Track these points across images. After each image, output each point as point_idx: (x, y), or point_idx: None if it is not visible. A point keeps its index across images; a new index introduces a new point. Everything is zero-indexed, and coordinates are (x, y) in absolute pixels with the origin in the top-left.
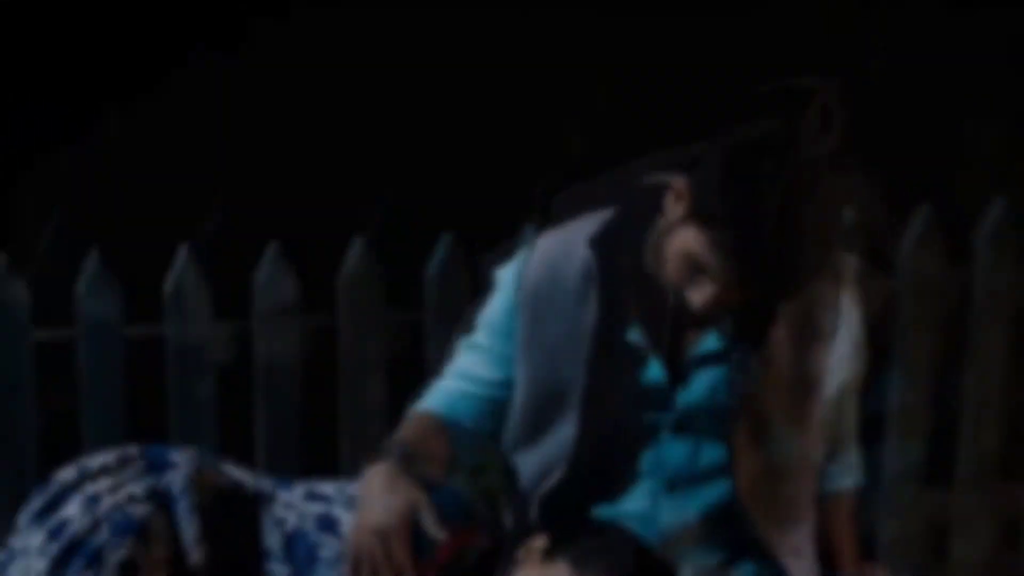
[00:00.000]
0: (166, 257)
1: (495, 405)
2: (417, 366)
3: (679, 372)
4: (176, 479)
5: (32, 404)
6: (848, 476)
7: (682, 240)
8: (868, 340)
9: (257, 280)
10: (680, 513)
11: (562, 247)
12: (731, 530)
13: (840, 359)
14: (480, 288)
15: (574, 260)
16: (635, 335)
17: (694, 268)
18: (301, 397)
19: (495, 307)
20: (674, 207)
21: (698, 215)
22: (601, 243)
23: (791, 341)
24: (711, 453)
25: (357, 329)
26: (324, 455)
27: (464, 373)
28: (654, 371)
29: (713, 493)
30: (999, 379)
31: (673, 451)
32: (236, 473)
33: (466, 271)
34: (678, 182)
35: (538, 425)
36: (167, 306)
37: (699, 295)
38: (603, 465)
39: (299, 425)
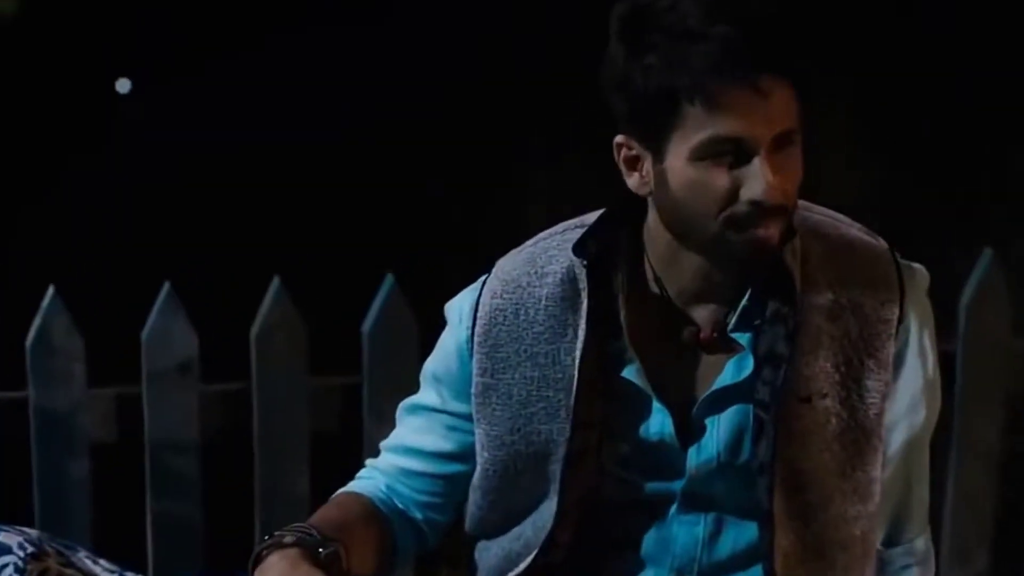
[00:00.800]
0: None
1: (448, 484)
2: (349, 440)
3: (689, 422)
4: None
5: None
6: (913, 569)
7: (696, 182)
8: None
9: (146, 334)
10: None
11: (530, 266)
12: None
13: (903, 409)
14: (428, 342)
15: (548, 279)
16: (631, 372)
17: (736, 198)
18: (203, 477)
19: (444, 352)
20: (634, 163)
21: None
22: (590, 249)
23: (837, 372)
24: (735, 533)
25: (274, 393)
26: (233, 548)
27: (405, 446)
28: (657, 421)
29: None
30: None
31: (683, 531)
32: (93, 567)
33: (412, 323)
34: (618, 138)
35: (505, 503)
36: (31, 364)
37: (768, 225)
38: (591, 550)
39: (201, 512)
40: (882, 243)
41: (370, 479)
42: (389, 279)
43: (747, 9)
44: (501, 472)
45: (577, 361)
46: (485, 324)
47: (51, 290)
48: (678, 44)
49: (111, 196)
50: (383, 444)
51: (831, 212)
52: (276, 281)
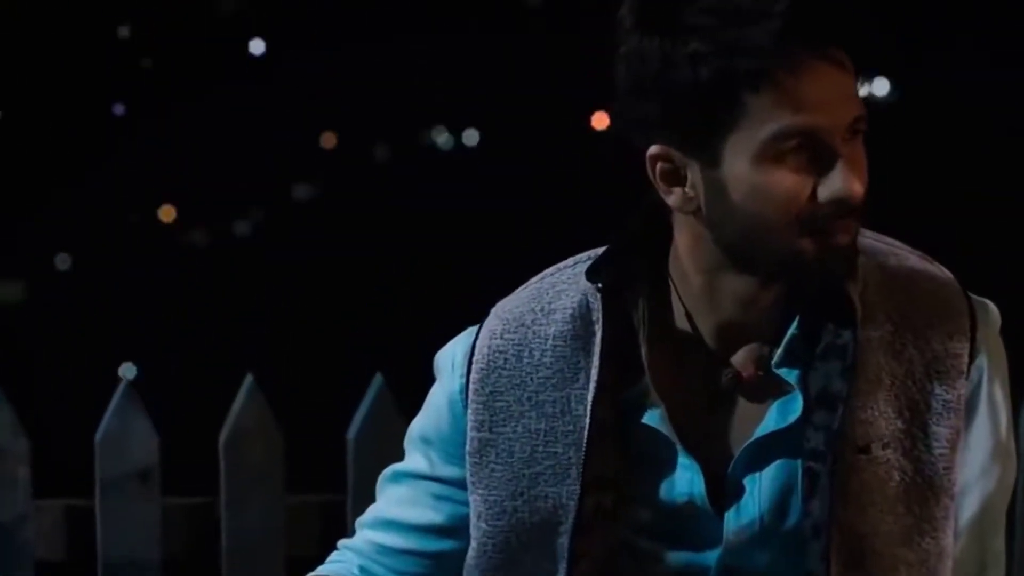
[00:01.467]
0: None
1: (435, 565)
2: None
3: (724, 480)
4: None
5: None
6: None
7: (765, 186)
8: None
9: (100, 435)
10: None
11: (535, 302)
12: None
13: (976, 470)
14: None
15: (556, 315)
16: (654, 418)
17: (815, 206)
18: None
19: (434, 408)
20: (670, 178)
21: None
22: (606, 274)
23: (900, 417)
24: None
25: (246, 510)
26: None
27: (385, 519)
28: (684, 479)
29: None
30: None
31: None
32: None
33: (404, 430)
34: (652, 150)
35: None
36: None
37: (847, 229)
38: None
39: None
40: (947, 273)
41: (341, 562)
42: (378, 379)
43: None
44: (501, 547)
45: (589, 404)
46: (483, 369)
47: None
48: (731, 24)
49: (67, 282)
50: (359, 520)
51: (885, 237)
52: (249, 378)
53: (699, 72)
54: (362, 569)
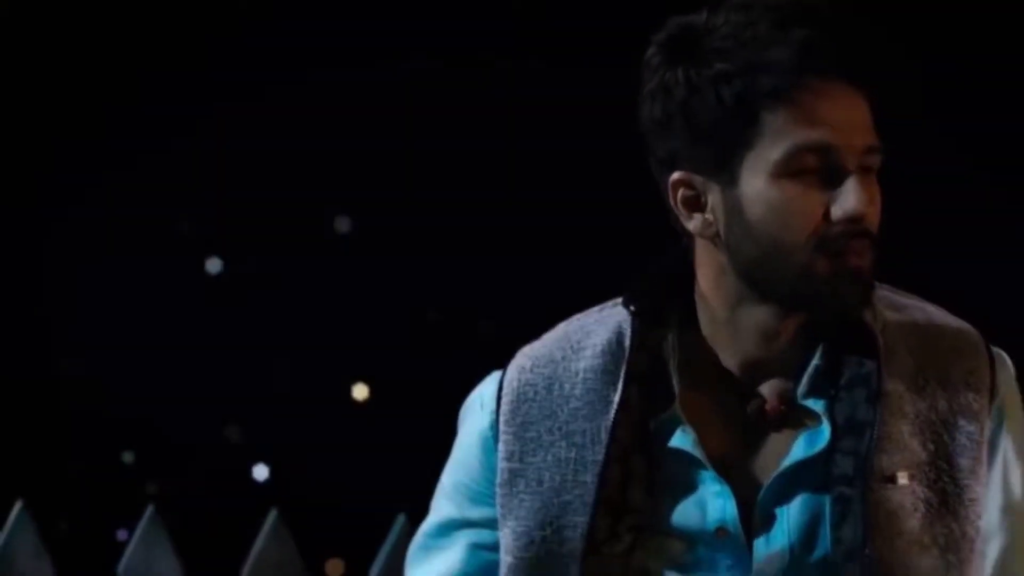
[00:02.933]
0: None
1: None
2: None
3: (753, 510)
4: None
5: None
6: None
7: (780, 203)
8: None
9: (123, 566)
10: None
11: (564, 341)
12: None
13: (998, 513)
14: None
15: (586, 352)
16: (685, 441)
17: (830, 223)
18: None
19: (462, 451)
20: (692, 203)
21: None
22: (639, 303)
23: (924, 449)
24: None
25: None
26: None
27: None
28: (717, 505)
29: None
30: None
31: None
32: None
33: None
34: (674, 177)
35: None
36: None
37: (860, 252)
38: None
39: None
40: (964, 322)
41: None
42: (400, 520)
43: (822, 14)
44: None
45: (610, 425)
46: (513, 402)
47: (19, 505)
48: (752, 47)
49: (87, 407)
50: None
51: (901, 291)
52: (273, 514)
53: (721, 92)
54: None
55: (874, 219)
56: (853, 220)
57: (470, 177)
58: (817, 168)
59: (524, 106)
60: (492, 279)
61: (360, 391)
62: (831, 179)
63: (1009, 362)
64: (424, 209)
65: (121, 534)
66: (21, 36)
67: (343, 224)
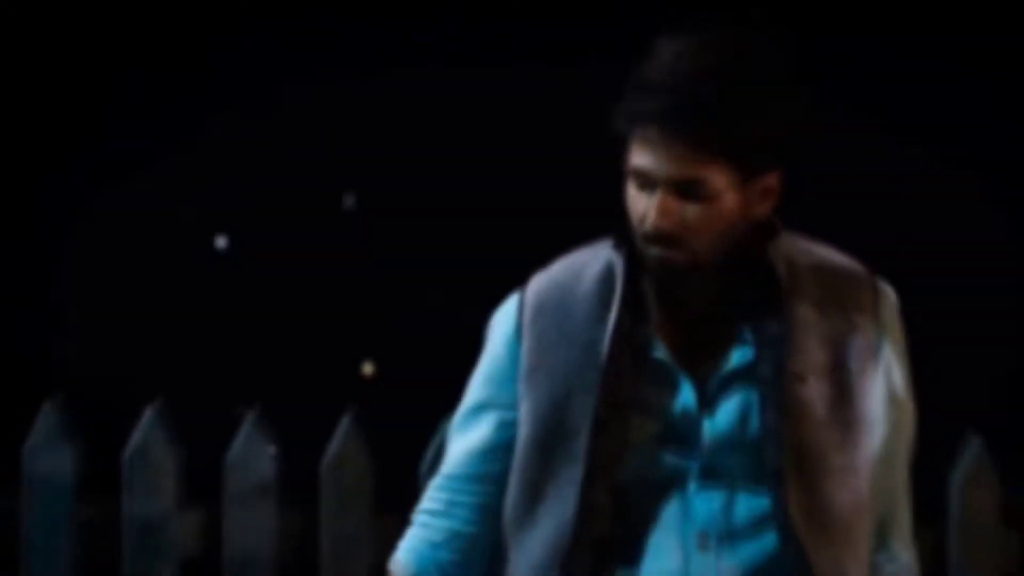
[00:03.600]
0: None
1: (499, 487)
2: None
3: (704, 400)
4: None
5: None
6: (901, 574)
7: (629, 196)
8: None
9: (229, 458)
10: (714, 573)
11: (568, 270)
12: None
13: (882, 405)
14: None
15: (586, 279)
16: (661, 352)
17: (637, 186)
18: None
19: (492, 351)
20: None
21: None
22: (626, 248)
23: (825, 356)
24: (747, 504)
25: (340, 519)
26: None
27: (462, 454)
28: (683, 395)
29: (752, 553)
30: None
31: (702, 503)
32: None
33: None
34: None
35: (535, 485)
36: (126, 477)
37: (648, 243)
38: (620, 519)
39: None
40: (858, 263)
41: (415, 554)
42: (445, 423)
43: (677, 80)
44: (538, 446)
45: (607, 342)
46: (532, 314)
47: (155, 406)
48: (635, 91)
49: (203, 319)
50: (441, 471)
51: (819, 243)
52: (347, 417)
53: (620, 110)
54: (449, 504)
55: (661, 224)
56: (641, 221)
57: (478, 153)
58: (640, 182)
59: (517, 80)
60: (483, 261)
61: (367, 368)
62: (648, 190)
63: (891, 293)
64: (431, 186)
65: None
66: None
67: (350, 201)
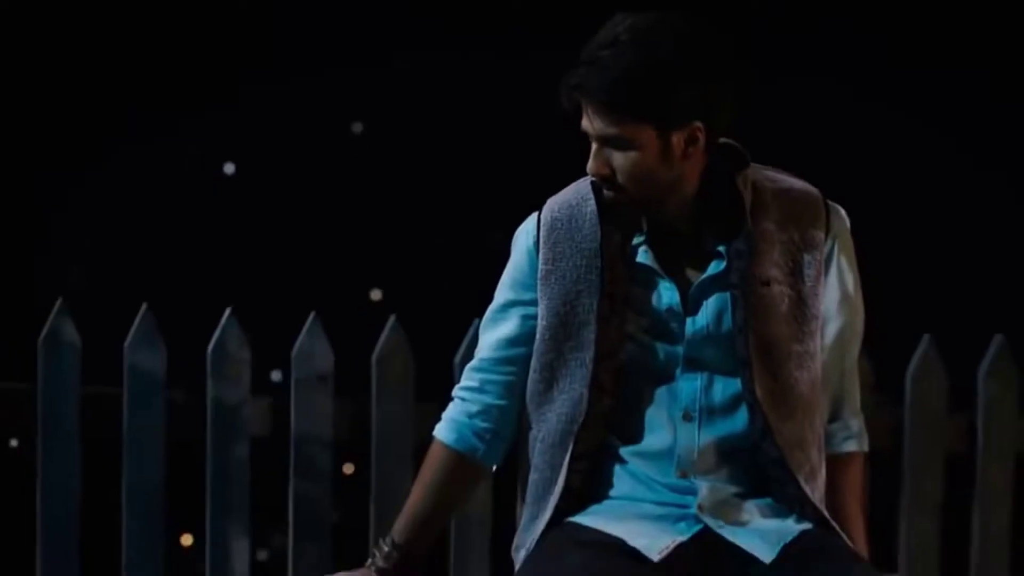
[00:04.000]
0: (211, 319)
1: (523, 366)
2: None
3: (688, 300)
4: None
5: (79, 456)
6: (852, 440)
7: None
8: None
9: (295, 351)
10: (695, 440)
11: (577, 193)
12: (748, 460)
13: (834, 305)
14: None
15: (590, 201)
16: (646, 257)
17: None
18: (334, 469)
19: (516, 259)
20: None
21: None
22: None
23: (786, 265)
24: (722, 386)
25: (388, 404)
26: (355, 523)
27: (493, 341)
28: (667, 295)
29: (727, 425)
30: (1006, 515)
31: (686, 385)
32: None
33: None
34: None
35: (551, 367)
36: (210, 367)
37: (590, 159)
38: (620, 398)
39: (331, 498)
40: (814, 188)
41: (451, 427)
42: (476, 324)
43: (592, 51)
44: (553, 335)
45: (607, 248)
46: (547, 229)
47: (228, 312)
48: (576, 66)
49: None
50: (470, 366)
51: (782, 171)
52: (393, 319)
53: (561, 83)
54: (483, 382)
55: (597, 171)
56: (589, 167)
57: (488, 87)
58: (588, 137)
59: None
60: (503, 190)
61: (375, 295)
62: (592, 144)
63: (842, 211)
64: (438, 117)
65: None
66: None
67: (357, 128)
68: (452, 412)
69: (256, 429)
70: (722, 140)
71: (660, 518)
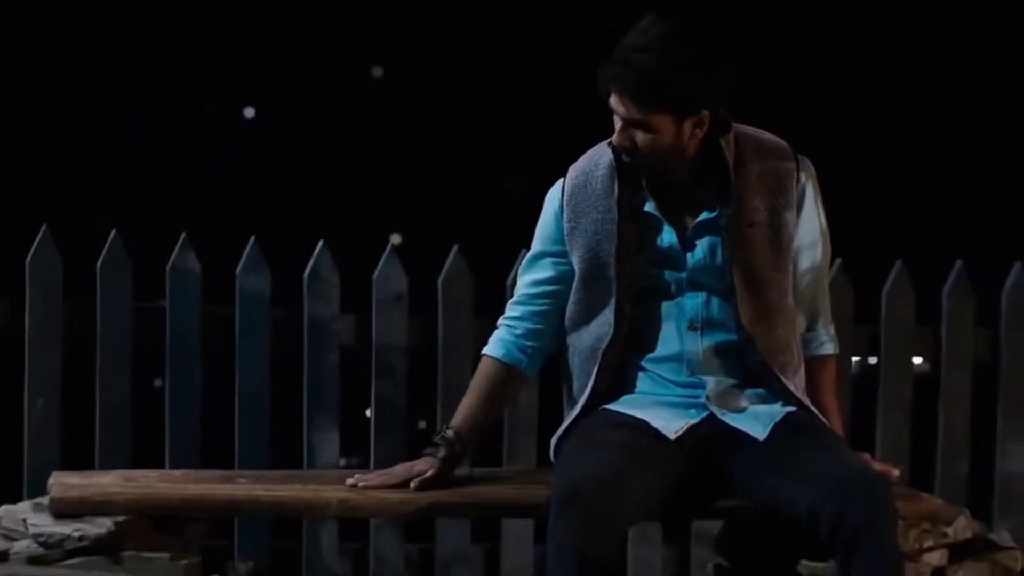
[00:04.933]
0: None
1: (556, 301)
2: None
3: (686, 240)
4: None
5: (199, 367)
6: (827, 344)
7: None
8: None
9: (376, 275)
10: (700, 346)
11: (590, 161)
12: (741, 361)
13: (806, 241)
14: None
15: (602, 166)
16: (650, 207)
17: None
18: (408, 376)
19: (545, 221)
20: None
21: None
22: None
23: (766, 209)
24: (718, 304)
25: (452, 319)
26: (427, 420)
27: (529, 280)
28: (668, 237)
29: (722, 335)
30: (966, 414)
31: (690, 301)
32: None
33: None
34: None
35: (585, 301)
36: (306, 289)
37: (616, 134)
38: (639, 316)
39: (403, 399)
40: (783, 141)
41: (500, 344)
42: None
43: (623, 51)
44: (583, 275)
45: (618, 203)
46: (569, 193)
47: (321, 243)
48: (606, 64)
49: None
50: (512, 301)
51: (760, 130)
52: (455, 248)
53: (598, 75)
54: (523, 312)
55: (621, 143)
56: (615, 139)
57: (503, 22)
58: (615, 116)
59: None
60: (520, 135)
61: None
62: (618, 122)
63: (809, 162)
64: (459, 59)
65: None
66: None
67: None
68: (499, 334)
69: (344, 340)
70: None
71: (675, 405)
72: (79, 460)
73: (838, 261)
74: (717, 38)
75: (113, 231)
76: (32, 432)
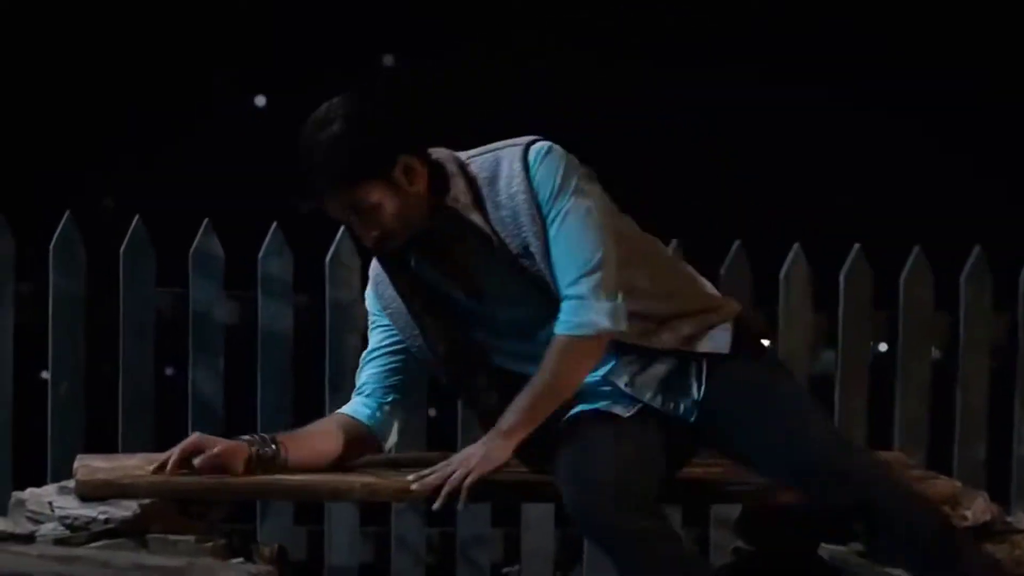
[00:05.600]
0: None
1: (398, 360)
2: None
3: (472, 289)
4: None
5: (223, 347)
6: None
7: None
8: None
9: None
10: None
11: (375, 265)
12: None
13: (554, 223)
14: None
15: (380, 270)
16: (430, 274)
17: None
18: None
19: (367, 294)
20: None
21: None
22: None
23: (516, 227)
24: (531, 314)
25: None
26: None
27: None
28: (454, 292)
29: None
30: (984, 400)
31: (506, 327)
32: None
33: None
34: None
35: (445, 371)
36: (328, 273)
37: (360, 235)
38: (484, 346)
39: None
40: (517, 144)
41: (358, 405)
42: None
43: (301, 167)
44: (424, 357)
45: (398, 291)
46: (374, 289)
47: (342, 229)
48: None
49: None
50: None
51: (491, 146)
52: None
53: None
54: (367, 378)
55: (369, 239)
56: (365, 243)
57: None
58: (348, 222)
59: None
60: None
61: None
62: (352, 222)
63: (536, 145)
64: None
65: None
66: None
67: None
68: (353, 403)
69: (364, 323)
70: (432, 151)
71: (600, 394)
72: (102, 444)
73: (856, 246)
74: (366, 97)
75: (136, 217)
76: (56, 416)
